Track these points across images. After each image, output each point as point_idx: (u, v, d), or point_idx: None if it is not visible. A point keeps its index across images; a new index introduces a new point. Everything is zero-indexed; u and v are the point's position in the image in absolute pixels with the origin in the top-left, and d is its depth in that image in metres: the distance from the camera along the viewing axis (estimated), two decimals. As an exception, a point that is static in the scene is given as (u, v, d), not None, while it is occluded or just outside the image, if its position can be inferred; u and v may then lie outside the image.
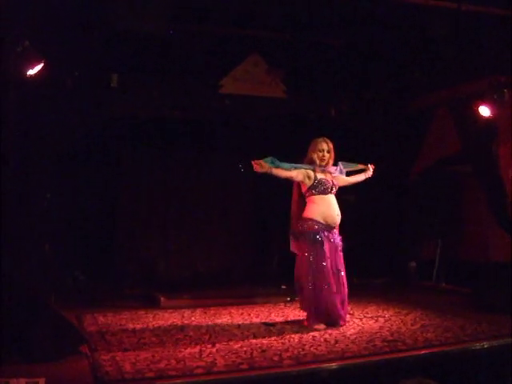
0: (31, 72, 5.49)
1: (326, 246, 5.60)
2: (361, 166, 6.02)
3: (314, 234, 5.61)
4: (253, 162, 5.41)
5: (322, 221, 5.63)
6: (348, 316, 6.15)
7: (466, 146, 7.70)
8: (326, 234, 5.63)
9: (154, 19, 5.81)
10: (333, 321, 5.63)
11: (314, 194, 5.68)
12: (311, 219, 5.63)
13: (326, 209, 5.65)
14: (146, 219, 8.48)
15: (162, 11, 5.81)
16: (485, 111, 6.96)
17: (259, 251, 8.93)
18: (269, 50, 7.58)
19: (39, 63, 5.52)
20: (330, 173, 5.84)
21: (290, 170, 5.65)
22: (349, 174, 6.07)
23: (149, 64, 7.13)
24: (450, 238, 8.43)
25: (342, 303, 5.74)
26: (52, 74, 5.90)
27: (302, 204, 5.80)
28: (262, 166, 5.41)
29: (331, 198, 5.72)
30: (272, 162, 5.53)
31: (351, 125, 8.56)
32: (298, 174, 5.68)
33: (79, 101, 6.74)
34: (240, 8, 6.38)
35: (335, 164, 5.93)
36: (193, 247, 8.64)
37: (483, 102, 6.93)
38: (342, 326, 5.61)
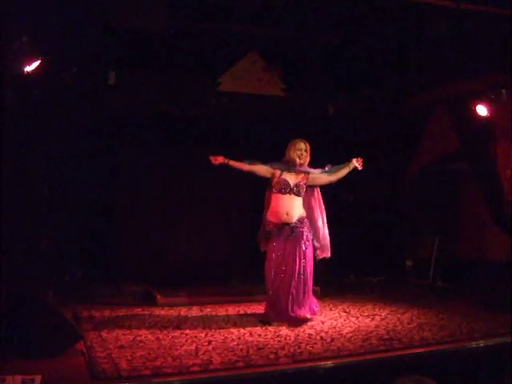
0: (29, 68, 5.48)
1: (278, 243, 5.79)
2: (347, 163, 6.06)
3: (268, 232, 5.89)
4: (210, 157, 5.76)
5: (273, 220, 5.87)
6: (344, 314, 6.20)
7: (464, 144, 7.70)
8: (279, 231, 5.81)
9: (152, 16, 5.80)
10: (281, 317, 5.72)
11: (274, 193, 5.90)
12: (268, 218, 5.92)
13: (277, 209, 5.86)
14: (144, 216, 8.47)
15: (159, 8, 5.80)
16: (482, 110, 6.96)
17: (257, 249, 8.90)
18: (267, 48, 7.57)
19: (37, 60, 5.50)
20: (307, 172, 5.94)
21: (254, 165, 5.90)
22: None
23: (147, 61, 7.11)
24: (448, 237, 8.43)
25: (294, 301, 5.75)
26: (50, 70, 5.89)
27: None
28: (217, 158, 5.75)
29: (286, 199, 5.84)
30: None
31: (349, 123, 8.56)
32: (260, 168, 5.93)
33: (77, 97, 6.73)
34: (238, 5, 6.37)
35: (322, 167, 6.06)
36: (190, 244, 8.63)
37: (481, 100, 6.94)
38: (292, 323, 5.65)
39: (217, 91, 7.63)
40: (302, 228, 5.84)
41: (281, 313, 5.74)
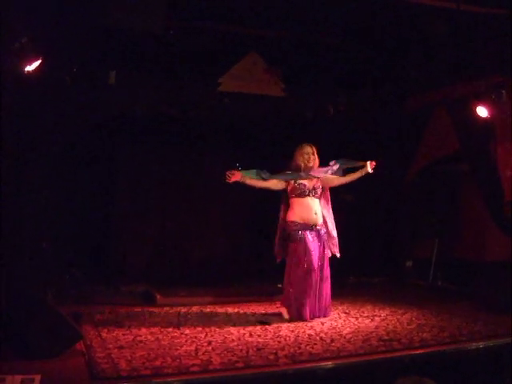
0: (29, 68, 5.48)
1: (307, 244, 5.91)
2: (361, 163, 6.15)
3: (294, 233, 5.96)
4: (227, 173, 5.84)
5: (300, 221, 5.98)
6: (344, 315, 6.20)
7: (464, 145, 7.69)
8: (306, 232, 5.96)
9: (152, 16, 5.79)
10: (297, 315, 5.92)
11: (293, 198, 6.07)
12: (291, 221, 6.02)
13: (303, 210, 6.02)
14: (143, 216, 8.46)
15: (159, 8, 5.79)
16: (482, 111, 6.96)
17: (256, 249, 8.91)
18: (267, 49, 7.56)
19: (37, 60, 5.50)
20: (317, 176, 6.12)
21: (268, 181, 6.04)
22: (347, 171, 6.22)
23: (147, 61, 7.10)
24: (447, 238, 8.43)
25: (320, 298, 6.02)
26: (50, 70, 5.88)
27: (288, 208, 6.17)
28: (235, 175, 5.85)
29: (309, 200, 6.05)
30: (257, 174, 5.99)
31: (349, 124, 8.55)
32: (273, 184, 6.10)
33: (77, 98, 6.72)
34: (238, 6, 6.37)
35: (327, 164, 6.18)
36: (189, 245, 8.63)
37: (481, 102, 6.93)
38: (311, 320, 5.88)
39: (217, 92, 7.63)
40: (324, 230, 6.11)
41: (311, 313, 5.96)
